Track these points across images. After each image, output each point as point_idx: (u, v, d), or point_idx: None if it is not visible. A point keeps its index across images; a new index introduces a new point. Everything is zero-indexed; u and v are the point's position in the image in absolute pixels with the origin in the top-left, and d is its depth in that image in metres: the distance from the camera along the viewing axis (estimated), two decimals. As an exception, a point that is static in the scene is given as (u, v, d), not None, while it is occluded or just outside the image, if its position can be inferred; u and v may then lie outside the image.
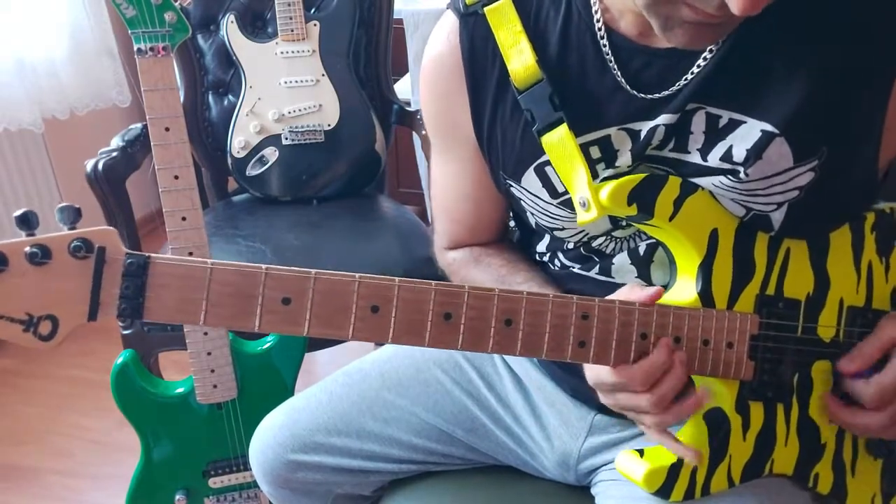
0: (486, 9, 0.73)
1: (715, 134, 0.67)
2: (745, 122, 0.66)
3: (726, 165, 0.67)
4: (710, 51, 0.66)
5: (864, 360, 0.68)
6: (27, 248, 0.54)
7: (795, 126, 0.65)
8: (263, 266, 0.58)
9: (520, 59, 0.71)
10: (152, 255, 0.57)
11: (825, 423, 0.72)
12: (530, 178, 0.75)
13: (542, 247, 0.82)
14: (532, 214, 0.78)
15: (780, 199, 0.67)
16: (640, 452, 0.70)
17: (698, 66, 0.67)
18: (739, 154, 0.66)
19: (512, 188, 0.78)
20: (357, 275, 0.59)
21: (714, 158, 0.67)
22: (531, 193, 0.76)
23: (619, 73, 0.69)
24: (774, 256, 0.69)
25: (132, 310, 0.56)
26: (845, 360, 0.69)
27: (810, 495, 0.73)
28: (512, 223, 0.90)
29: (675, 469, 0.69)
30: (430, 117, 0.83)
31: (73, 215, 0.56)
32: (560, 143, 0.69)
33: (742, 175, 0.66)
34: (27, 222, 0.55)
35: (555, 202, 0.74)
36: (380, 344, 0.71)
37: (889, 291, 0.73)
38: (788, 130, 0.65)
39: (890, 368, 0.67)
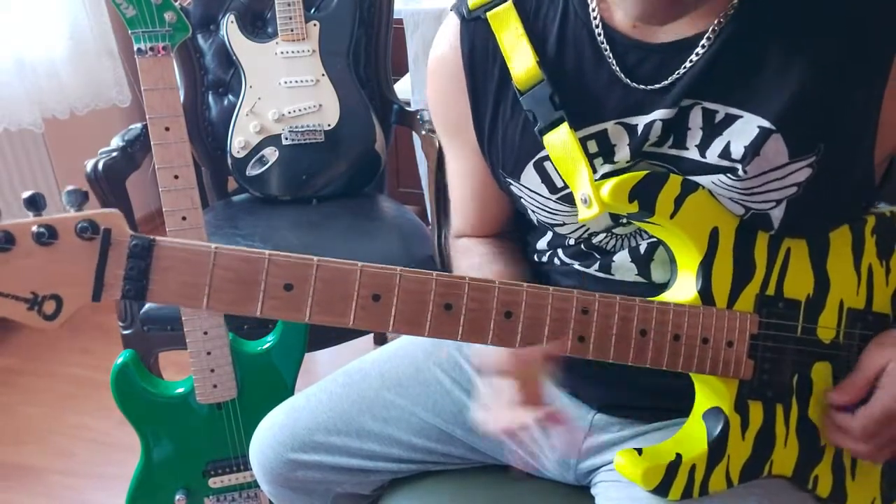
0: (488, 14, 0.74)
1: (712, 129, 0.67)
2: (741, 117, 0.66)
3: (725, 163, 0.67)
4: (703, 46, 0.67)
5: (854, 393, 0.69)
6: (34, 228, 0.55)
7: (790, 121, 0.65)
8: (266, 252, 0.59)
9: (521, 62, 0.72)
10: (157, 237, 0.58)
11: (824, 425, 0.72)
12: (529, 175, 0.75)
13: (542, 244, 0.82)
14: (533, 212, 0.78)
15: (778, 196, 0.67)
16: (639, 451, 0.70)
17: (691, 60, 0.67)
18: (738, 151, 0.66)
19: (512, 186, 0.78)
20: (359, 263, 0.60)
21: (713, 155, 0.67)
22: (530, 190, 0.76)
23: (615, 65, 0.70)
24: (775, 256, 0.69)
25: (136, 291, 0.57)
26: (836, 393, 0.69)
27: (809, 497, 0.73)
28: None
29: (672, 467, 0.69)
30: (436, 117, 0.85)
31: (80, 198, 0.57)
32: (561, 142, 0.70)
33: (740, 172, 0.66)
34: (35, 203, 0.56)
35: (554, 197, 0.75)
36: (380, 343, 0.71)
37: (890, 294, 0.73)
38: (784, 126, 0.65)
39: (874, 402, 0.67)
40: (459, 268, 0.87)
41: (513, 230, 0.89)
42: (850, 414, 0.68)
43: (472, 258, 0.84)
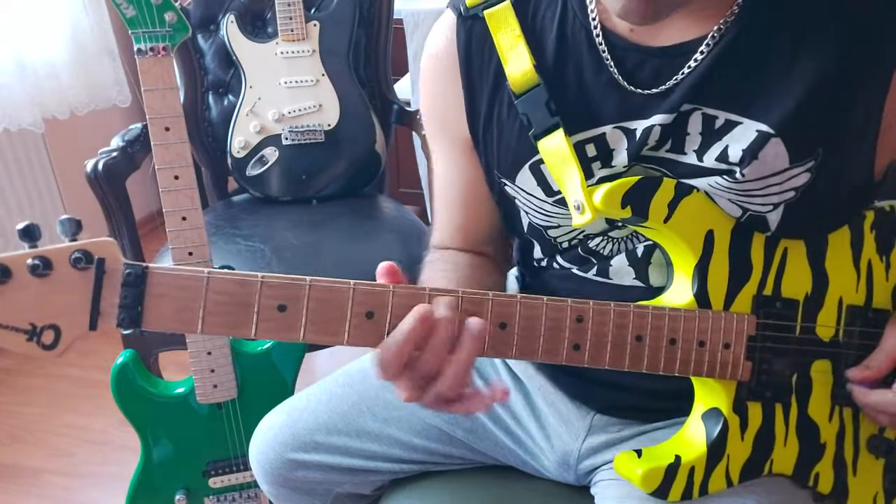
0: (486, 12, 0.74)
1: (711, 135, 0.67)
2: (741, 123, 0.66)
3: (722, 166, 0.67)
4: (702, 52, 0.67)
5: (876, 373, 0.69)
6: (29, 261, 0.55)
7: (791, 126, 0.65)
8: (259, 274, 0.59)
9: (517, 64, 0.72)
10: (150, 265, 0.58)
11: (825, 422, 0.72)
12: (525, 177, 0.75)
13: (538, 253, 0.82)
14: (526, 213, 0.78)
15: (777, 200, 0.67)
16: (638, 453, 0.70)
17: (689, 67, 0.67)
18: (735, 154, 0.66)
19: (506, 187, 0.78)
20: (352, 281, 0.60)
21: (710, 159, 0.67)
22: (526, 192, 0.76)
23: (614, 70, 0.70)
24: (772, 256, 0.69)
25: (131, 319, 0.57)
26: (856, 370, 0.69)
27: (810, 494, 0.73)
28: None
29: (672, 469, 0.69)
30: (427, 113, 0.84)
31: (74, 227, 0.57)
32: (556, 147, 0.70)
33: (738, 175, 0.66)
34: (30, 234, 0.56)
35: (550, 200, 0.74)
36: (380, 343, 0.71)
37: (890, 290, 0.73)
38: (784, 131, 0.65)
39: None
40: (421, 281, 0.80)
41: (496, 248, 0.86)
42: (889, 390, 0.67)
43: (433, 271, 0.80)
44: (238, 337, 0.59)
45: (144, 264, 0.58)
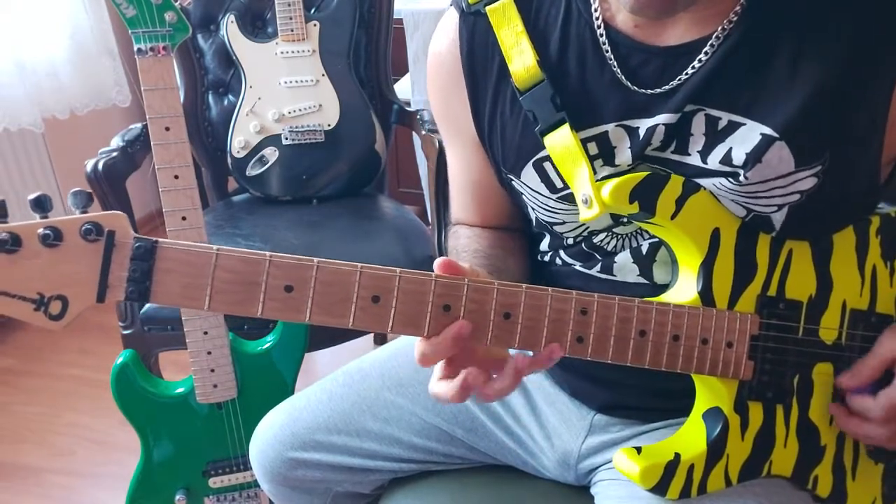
0: (487, 8, 0.74)
1: (714, 136, 0.67)
2: (744, 125, 0.66)
3: (726, 168, 0.67)
4: (706, 53, 0.67)
5: (865, 376, 0.69)
6: (40, 230, 0.56)
7: (796, 130, 0.65)
8: (267, 254, 0.59)
9: (521, 60, 0.72)
10: (160, 239, 0.58)
11: (825, 425, 0.72)
12: (529, 174, 0.75)
13: (544, 245, 0.82)
14: (532, 209, 0.78)
15: (781, 202, 0.67)
16: (638, 450, 0.70)
17: (693, 67, 0.67)
18: (739, 157, 0.66)
19: (513, 182, 0.78)
20: (359, 265, 0.60)
21: (714, 161, 0.67)
22: (530, 188, 0.76)
23: (617, 69, 0.70)
24: (777, 257, 0.69)
25: (139, 293, 0.58)
26: (846, 377, 0.69)
27: (809, 497, 0.73)
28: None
29: (671, 467, 0.69)
30: (434, 110, 0.86)
31: (84, 199, 0.58)
32: (562, 143, 0.70)
33: (742, 178, 0.66)
34: (41, 205, 0.57)
35: (554, 197, 0.75)
36: (380, 343, 0.71)
37: (894, 295, 0.73)
38: (788, 134, 0.65)
39: None
40: (447, 249, 0.87)
41: (514, 225, 0.88)
42: (871, 397, 0.68)
43: (459, 239, 0.85)
44: (244, 315, 0.60)
45: (155, 239, 0.58)
